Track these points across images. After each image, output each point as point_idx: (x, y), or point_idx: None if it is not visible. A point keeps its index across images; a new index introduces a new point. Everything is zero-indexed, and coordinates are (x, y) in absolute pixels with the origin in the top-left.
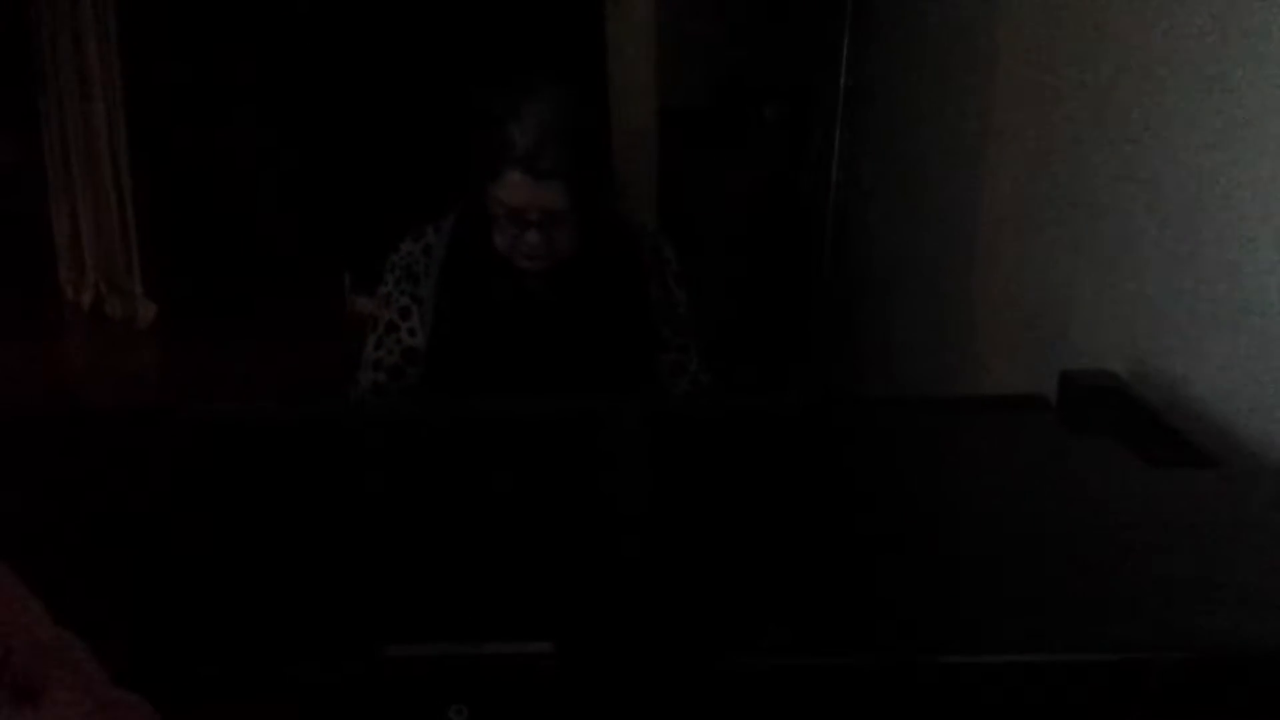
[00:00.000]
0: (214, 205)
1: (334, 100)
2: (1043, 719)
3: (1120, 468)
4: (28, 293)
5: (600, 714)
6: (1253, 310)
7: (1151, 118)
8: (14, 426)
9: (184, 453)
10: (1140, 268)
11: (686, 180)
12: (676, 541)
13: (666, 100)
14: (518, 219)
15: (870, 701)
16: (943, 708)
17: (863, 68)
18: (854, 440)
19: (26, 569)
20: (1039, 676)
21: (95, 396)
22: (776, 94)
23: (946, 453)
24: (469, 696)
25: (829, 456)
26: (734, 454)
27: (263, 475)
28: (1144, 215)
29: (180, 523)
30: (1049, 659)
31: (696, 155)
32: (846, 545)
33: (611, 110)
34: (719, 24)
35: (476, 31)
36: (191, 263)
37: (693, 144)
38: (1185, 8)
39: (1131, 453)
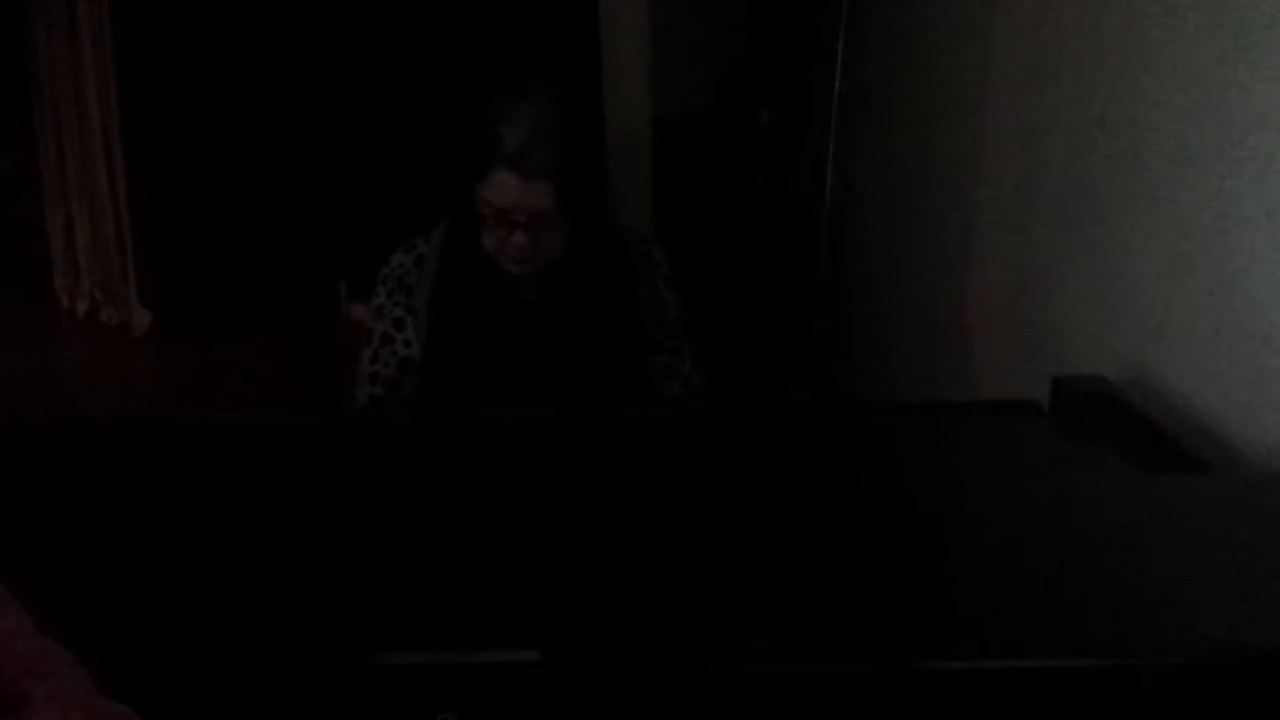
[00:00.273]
0: (209, 214)
1: (331, 108)
2: None
3: (1112, 473)
4: (23, 300)
5: None
6: (1244, 316)
7: (1147, 124)
8: (9, 433)
9: (178, 460)
10: (1133, 274)
11: (682, 184)
12: (668, 548)
13: (661, 104)
14: (505, 220)
15: (862, 707)
16: (936, 713)
17: (858, 71)
18: (848, 445)
19: (19, 577)
20: (1032, 681)
21: (90, 404)
22: (772, 97)
23: (940, 458)
24: (458, 704)
25: (823, 461)
26: (727, 459)
27: (254, 483)
28: (1137, 221)
29: (172, 531)
30: (1041, 664)
31: (692, 159)
32: (839, 550)
33: (606, 114)
34: (714, 28)
35: (474, 38)
36: (186, 270)
37: (688, 148)
38: (1184, 13)
39: (1124, 458)
